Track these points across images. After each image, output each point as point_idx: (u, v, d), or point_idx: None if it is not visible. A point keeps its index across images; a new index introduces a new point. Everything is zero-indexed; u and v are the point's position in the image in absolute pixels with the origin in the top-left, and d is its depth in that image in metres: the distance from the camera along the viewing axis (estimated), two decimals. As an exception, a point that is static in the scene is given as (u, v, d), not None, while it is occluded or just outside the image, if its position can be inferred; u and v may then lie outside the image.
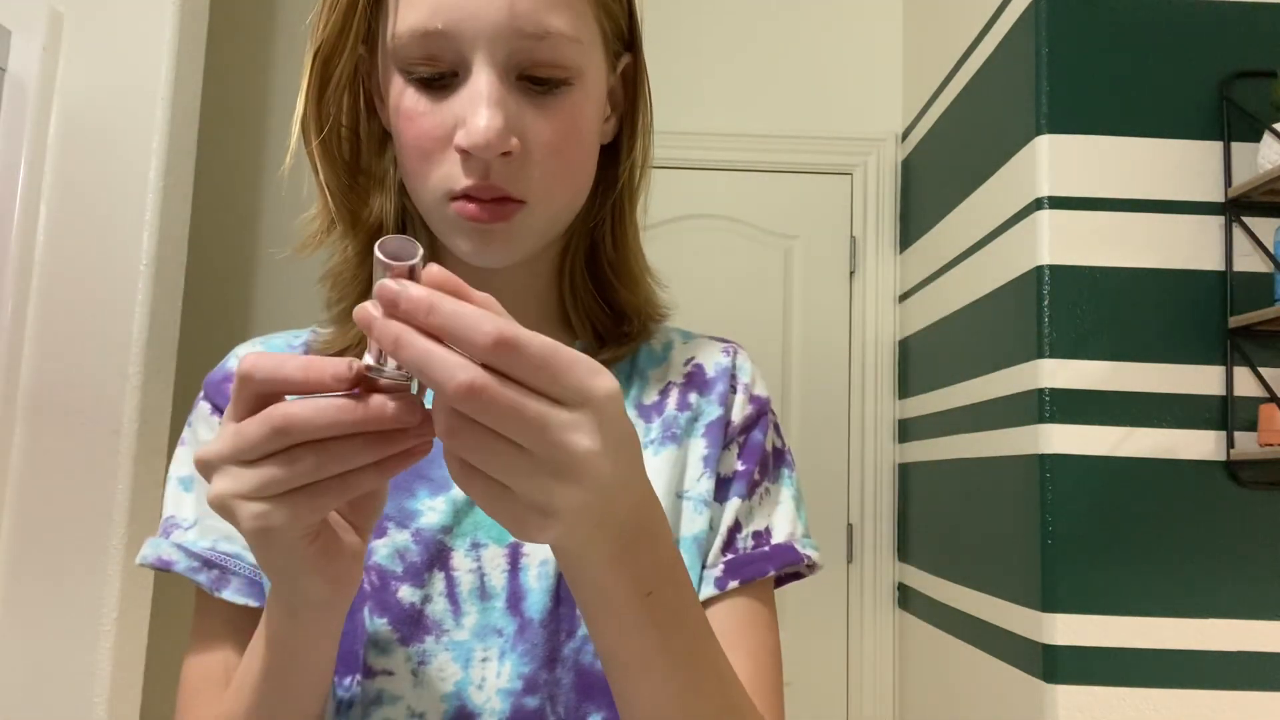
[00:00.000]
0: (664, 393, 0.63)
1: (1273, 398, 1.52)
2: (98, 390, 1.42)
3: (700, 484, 0.60)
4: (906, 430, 2.32)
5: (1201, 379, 1.55)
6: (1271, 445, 1.46)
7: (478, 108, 0.50)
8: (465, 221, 0.53)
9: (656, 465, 0.60)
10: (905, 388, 2.34)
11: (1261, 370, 1.53)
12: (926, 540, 2.16)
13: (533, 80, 0.52)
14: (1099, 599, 1.51)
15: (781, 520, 0.63)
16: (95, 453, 1.41)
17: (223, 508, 0.39)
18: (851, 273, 2.44)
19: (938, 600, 2.04)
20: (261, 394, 0.38)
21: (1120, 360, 1.55)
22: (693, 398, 0.63)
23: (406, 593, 0.54)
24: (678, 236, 2.43)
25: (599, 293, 0.63)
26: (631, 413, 0.62)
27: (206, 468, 0.39)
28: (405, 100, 0.53)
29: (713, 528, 0.60)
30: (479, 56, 0.50)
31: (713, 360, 0.65)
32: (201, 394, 0.61)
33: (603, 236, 0.62)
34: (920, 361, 2.24)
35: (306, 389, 0.38)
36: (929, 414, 2.15)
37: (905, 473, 2.32)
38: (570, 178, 0.55)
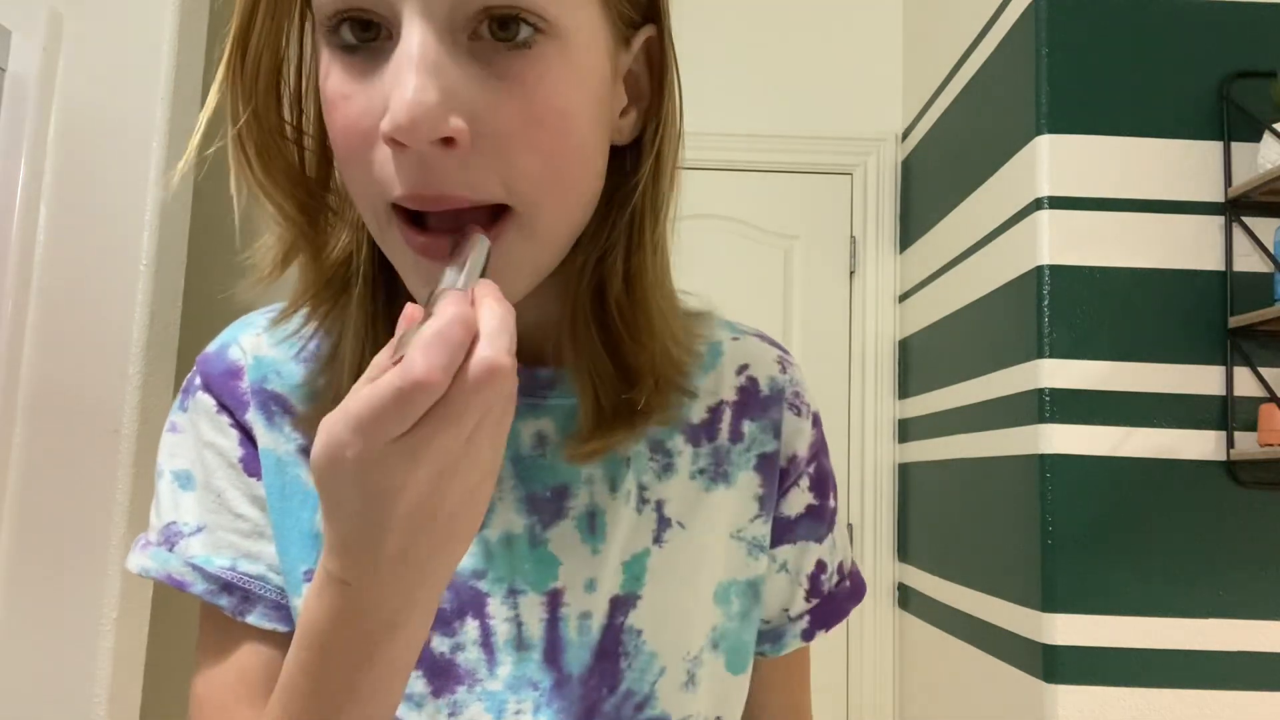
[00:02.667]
0: (714, 412, 0.56)
1: (1273, 398, 1.52)
2: (98, 390, 1.41)
3: (755, 526, 0.56)
4: (906, 430, 2.32)
5: (1201, 379, 1.55)
6: (1271, 445, 1.46)
7: (401, 75, 0.37)
8: (417, 259, 0.41)
9: (710, 504, 0.55)
10: (905, 388, 2.34)
11: (1261, 370, 1.53)
12: (926, 540, 2.16)
13: (490, 33, 0.39)
14: (1099, 599, 1.50)
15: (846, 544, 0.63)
16: (95, 453, 1.40)
17: (468, 504, 0.36)
18: (851, 273, 2.44)
19: (938, 600, 2.04)
20: None
21: (1120, 360, 1.55)
22: (746, 426, 0.57)
23: (438, 641, 0.49)
24: (678, 236, 2.43)
25: (605, 345, 0.50)
26: (677, 436, 0.55)
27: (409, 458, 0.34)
28: (331, 81, 0.41)
29: (787, 570, 0.58)
30: (408, 5, 0.38)
31: (767, 374, 0.59)
32: (199, 383, 0.52)
33: (612, 269, 0.48)
34: (920, 361, 2.24)
35: None
36: (929, 414, 2.15)
37: (905, 473, 2.32)
38: (553, 173, 0.41)
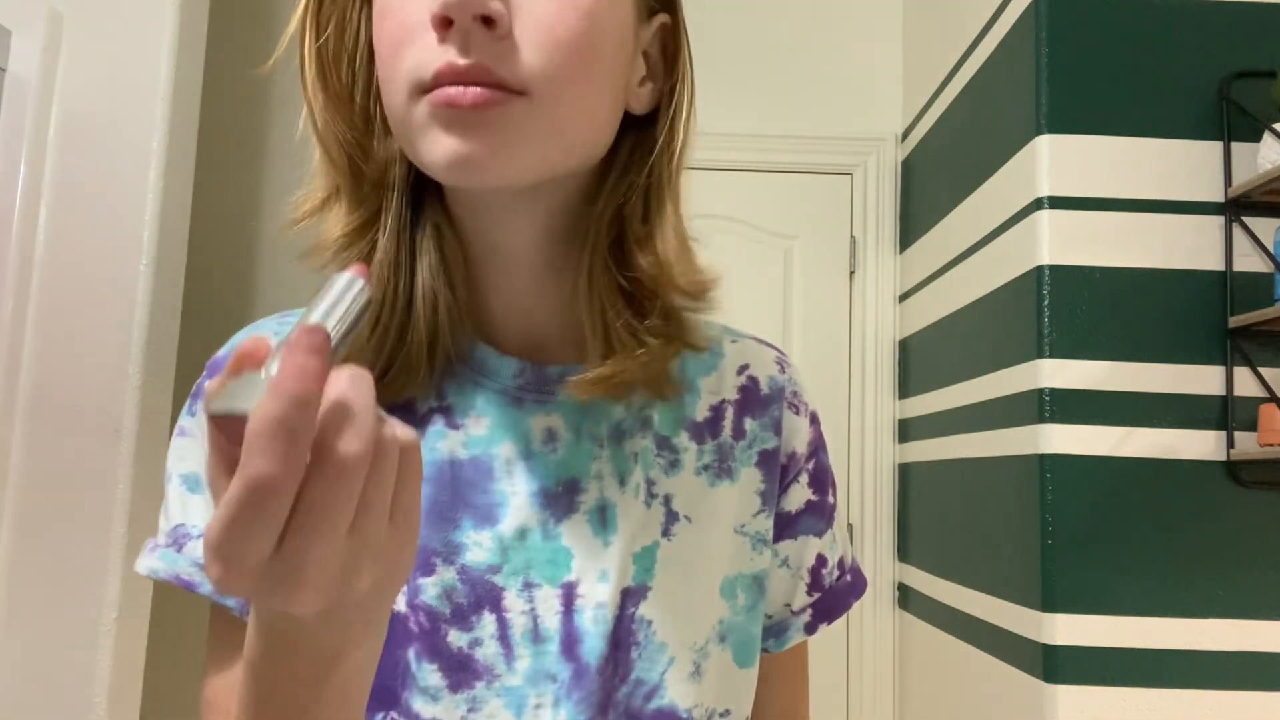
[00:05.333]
0: (717, 410, 0.58)
1: (1273, 398, 1.52)
2: (98, 390, 1.41)
3: (758, 521, 0.58)
4: (906, 430, 2.32)
5: (1201, 379, 1.55)
6: (1271, 445, 1.46)
7: None
8: (440, 110, 0.44)
9: (714, 500, 0.57)
10: (905, 388, 2.34)
11: (1261, 370, 1.53)
12: (926, 540, 2.16)
13: None
14: (1099, 599, 1.51)
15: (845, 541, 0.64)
16: (95, 453, 1.40)
17: (369, 593, 0.33)
18: (851, 273, 2.44)
19: (938, 600, 2.04)
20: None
21: (1120, 360, 1.55)
22: (748, 423, 0.59)
23: (455, 636, 0.50)
24: (678, 236, 2.43)
25: (623, 286, 0.52)
26: (682, 433, 0.57)
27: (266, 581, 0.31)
28: None
29: (788, 565, 0.60)
30: None
31: (766, 374, 0.61)
32: (206, 378, 0.54)
33: (632, 211, 0.52)
34: (920, 361, 2.24)
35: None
36: (929, 414, 2.15)
37: (905, 473, 2.32)
38: (579, 67, 0.46)
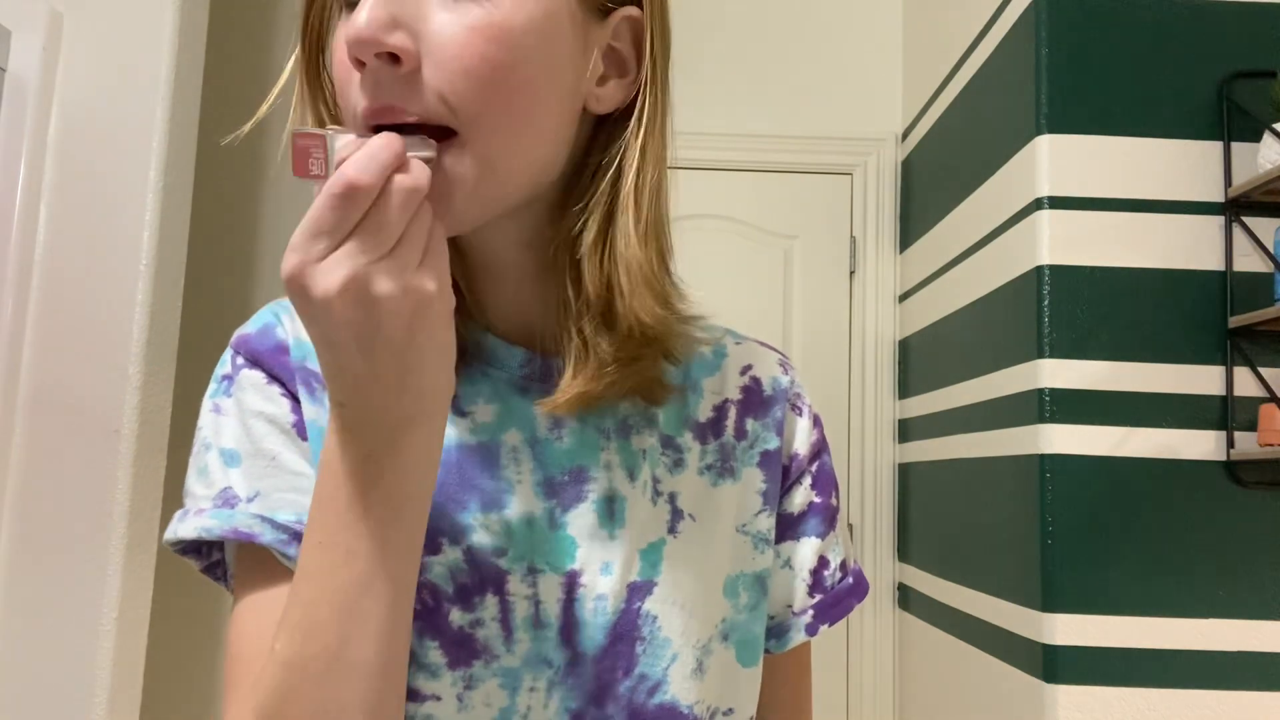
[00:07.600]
0: (720, 411, 0.59)
1: (1273, 398, 1.52)
2: (98, 390, 1.41)
3: (759, 520, 0.58)
4: (906, 430, 2.32)
5: (1201, 379, 1.55)
6: (1271, 445, 1.46)
7: (364, 1, 0.43)
8: None
9: (717, 499, 0.57)
10: (905, 388, 2.34)
11: (1261, 370, 1.53)
12: (926, 540, 2.16)
13: None
14: (1099, 599, 1.51)
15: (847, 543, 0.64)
16: (95, 453, 1.40)
17: (401, 307, 0.40)
18: (851, 273, 2.44)
19: (938, 600, 2.04)
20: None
21: (1120, 360, 1.55)
22: (750, 424, 0.60)
23: (456, 615, 0.51)
24: (678, 237, 2.43)
25: (590, 304, 0.52)
26: (686, 433, 0.58)
27: (362, 281, 0.39)
28: (336, 34, 0.48)
29: (790, 566, 0.60)
30: None
31: (770, 375, 0.62)
32: (243, 361, 0.54)
33: (587, 227, 0.52)
34: (920, 361, 2.24)
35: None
36: (929, 414, 2.15)
37: (905, 473, 2.32)
38: (494, 90, 0.45)
